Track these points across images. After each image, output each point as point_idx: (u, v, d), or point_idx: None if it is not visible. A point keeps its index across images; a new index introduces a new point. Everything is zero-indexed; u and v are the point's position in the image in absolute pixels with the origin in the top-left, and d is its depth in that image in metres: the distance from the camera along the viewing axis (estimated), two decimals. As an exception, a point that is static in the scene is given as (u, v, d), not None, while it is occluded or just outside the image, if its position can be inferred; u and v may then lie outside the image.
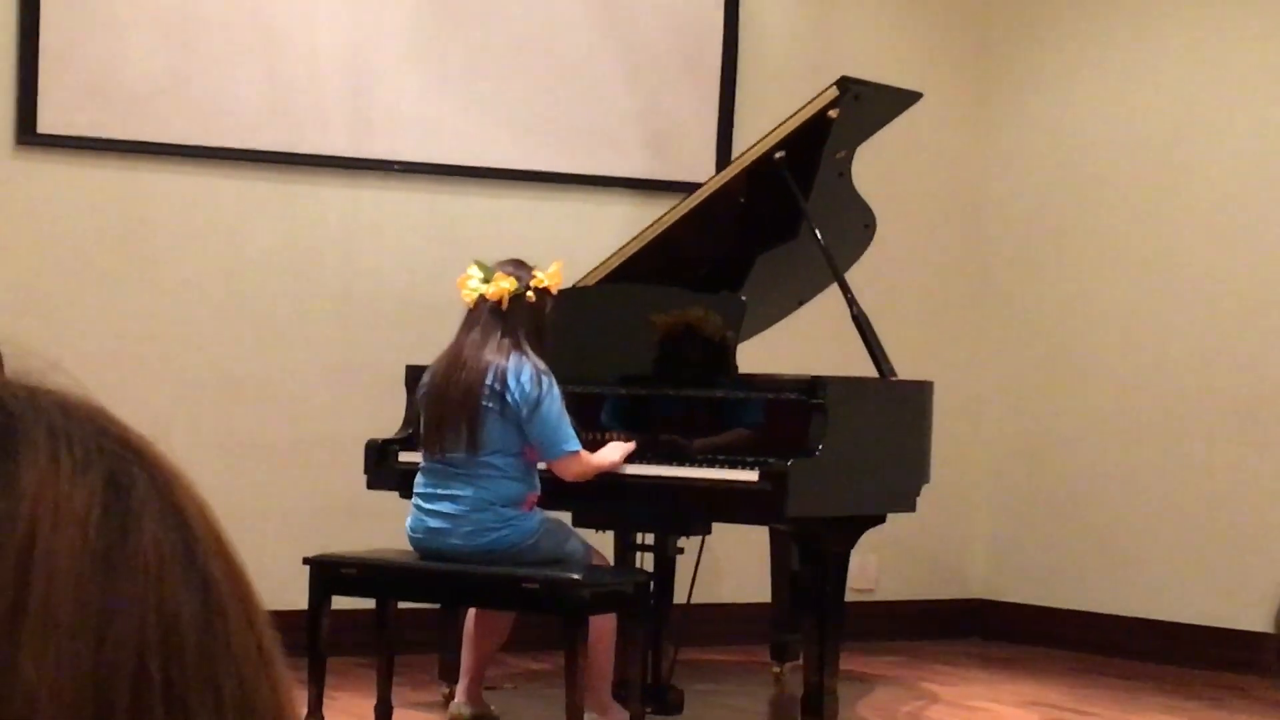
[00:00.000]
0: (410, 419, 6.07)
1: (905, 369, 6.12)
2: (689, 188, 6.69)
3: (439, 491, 5.62)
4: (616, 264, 6.40)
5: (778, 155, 6.17)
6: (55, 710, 0.71)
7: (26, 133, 6.83)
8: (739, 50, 7.91)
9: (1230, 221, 7.57)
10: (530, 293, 5.65)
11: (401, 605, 5.92)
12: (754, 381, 5.87)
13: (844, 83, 6.18)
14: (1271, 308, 7.41)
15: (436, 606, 6.20)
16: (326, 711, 5.71)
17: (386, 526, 6.19)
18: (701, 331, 5.96)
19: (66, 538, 0.73)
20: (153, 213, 7.04)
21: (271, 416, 7.19)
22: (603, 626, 5.58)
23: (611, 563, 6.06)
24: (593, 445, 5.77)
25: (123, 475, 0.76)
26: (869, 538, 5.92)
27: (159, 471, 0.77)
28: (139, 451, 0.78)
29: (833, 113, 6.15)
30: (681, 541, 6.08)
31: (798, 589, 6.13)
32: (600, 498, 5.78)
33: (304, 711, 5.62)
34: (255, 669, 0.77)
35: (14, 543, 0.72)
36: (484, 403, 5.55)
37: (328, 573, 5.73)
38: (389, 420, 6.32)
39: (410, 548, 5.72)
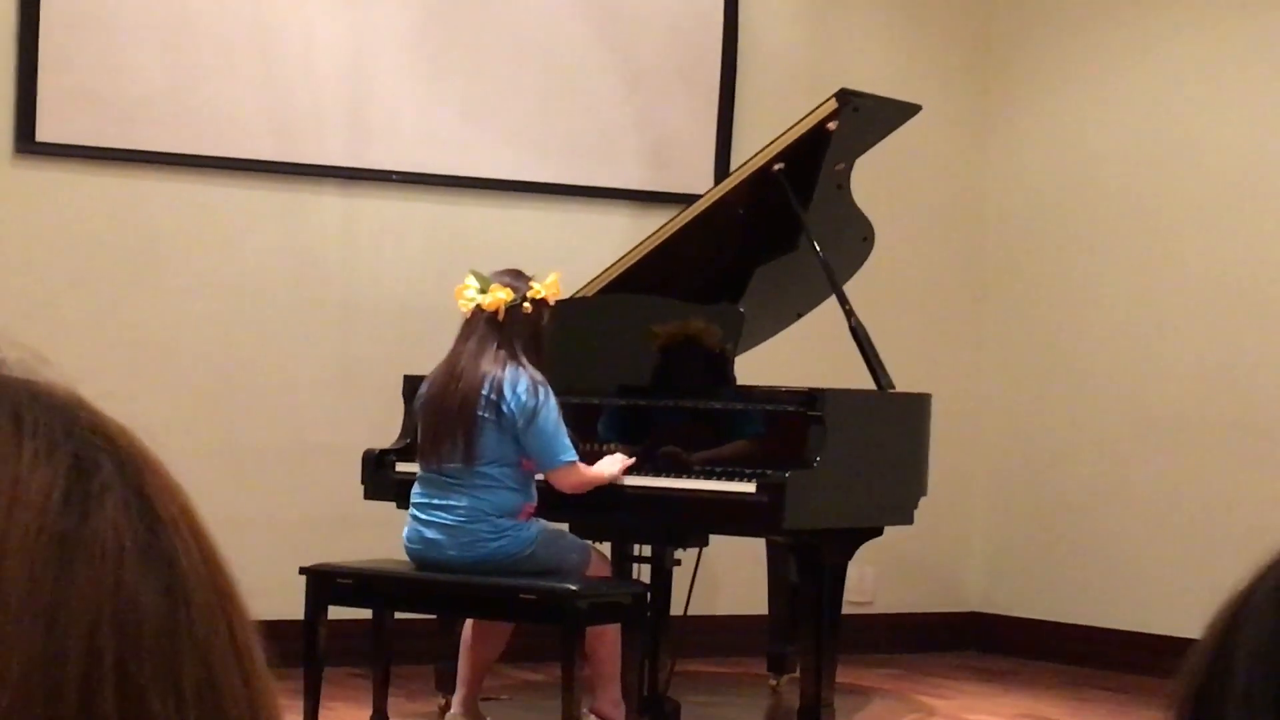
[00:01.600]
0: (408, 429, 6.07)
1: (903, 381, 6.11)
2: (688, 199, 6.68)
3: (435, 502, 5.62)
4: (615, 275, 6.39)
5: (776, 167, 6.17)
6: (1, 690, 0.70)
7: (25, 141, 6.83)
8: (738, 62, 7.91)
9: (1228, 233, 7.57)
10: (527, 304, 5.64)
11: (398, 616, 5.91)
12: (752, 393, 5.86)
13: (843, 95, 6.18)
14: (1267, 326, 7.41)
15: (433, 617, 6.19)
16: (322, 722, 5.70)
17: (383, 537, 6.18)
18: (700, 343, 5.96)
19: (21, 519, 0.73)
20: (151, 221, 7.04)
21: (269, 425, 7.19)
22: (605, 630, 5.59)
23: (612, 565, 6.05)
24: (590, 456, 5.77)
25: (88, 461, 0.76)
26: (866, 550, 5.91)
27: (129, 458, 0.77)
28: (110, 439, 0.77)
29: (832, 125, 6.15)
30: (679, 553, 6.06)
31: (795, 601, 6.13)
32: (597, 509, 5.77)
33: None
34: (224, 658, 0.76)
35: None
36: (480, 413, 5.54)
37: (324, 583, 5.72)
38: (387, 430, 6.32)
39: (407, 558, 5.72)
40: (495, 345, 5.61)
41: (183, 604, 0.76)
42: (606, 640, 5.63)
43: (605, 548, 6.20)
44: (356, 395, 7.22)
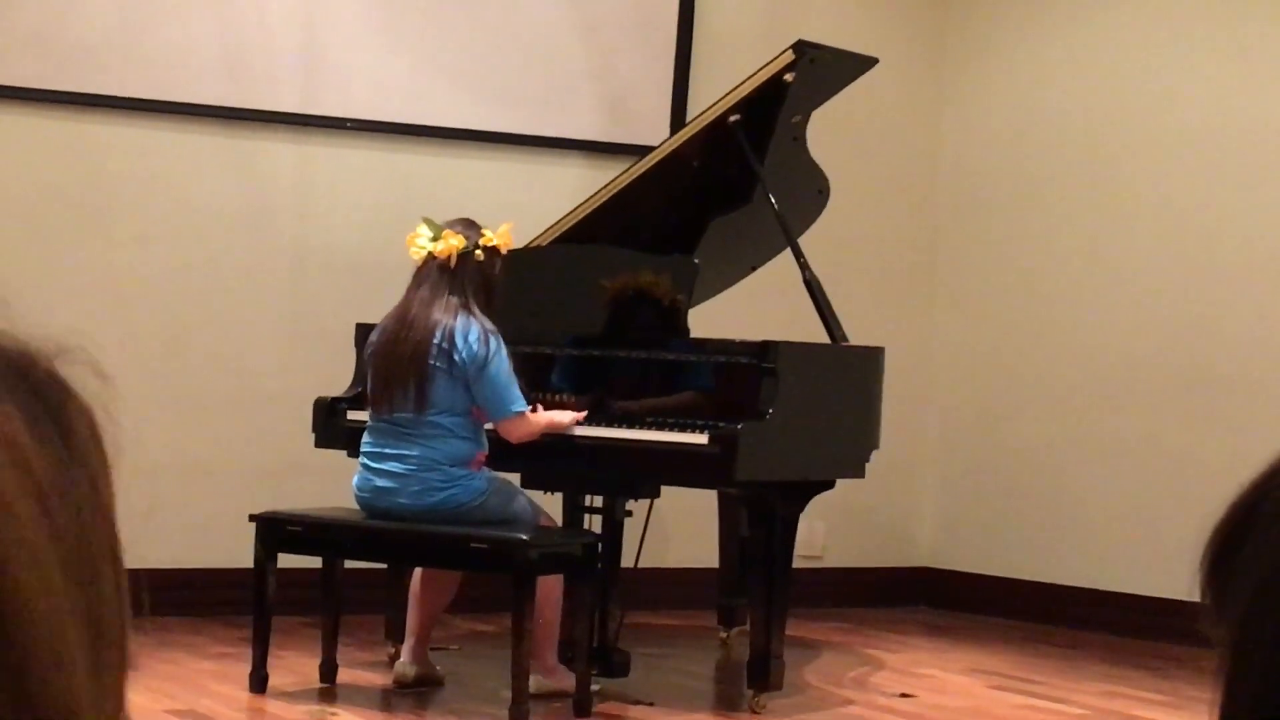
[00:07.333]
0: (359, 377, 6.04)
1: (857, 335, 6.11)
2: (643, 150, 6.66)
3: (386, 451, 5.60)
4: (570, 225, 6.37)
5: (732, 119, 6.15)
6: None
7: (-26, 83, 6.76)
8: (694, 12, 7.87)
9: (1183, 188, 7.58)
10: (479, 251, 5.62)
11: (348, 564, 5.90)
12: (705, 345, 5.86)
13: (800, 46, 6.16)
14: (1220, 280, 7.42)
15: (383, 566, 6.17)
16: (271, 670, 5.68)
17: (334, 485, 6.16)
18: (653, 294, 5.95)
19: None
20: (101, 167, 6.98)
21: (220, 373, 7.15)
22: (549, 589, 5.56)
23: (560, 524, 6.04)
24: (543, 406, 5.75)
25: None
26: (817, 504, 5.92)
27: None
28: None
29: (788, 77, 6.13)
30: (630, 504, 6.07)
31: (745, 554, 6.13)
32: (549, 459, 5.76)
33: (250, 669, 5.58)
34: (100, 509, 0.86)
35: None
36: (432, 362, 5.52)
37: (274, 531, 5.70)
38: (338, 378, 6.30)
39: (357, 506, 5.70)
40: (447, 293, 5.58)
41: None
42: (546, 602, 5.57)
43: (556, 498, 6.20)
44: (307, 343, 7.19)
